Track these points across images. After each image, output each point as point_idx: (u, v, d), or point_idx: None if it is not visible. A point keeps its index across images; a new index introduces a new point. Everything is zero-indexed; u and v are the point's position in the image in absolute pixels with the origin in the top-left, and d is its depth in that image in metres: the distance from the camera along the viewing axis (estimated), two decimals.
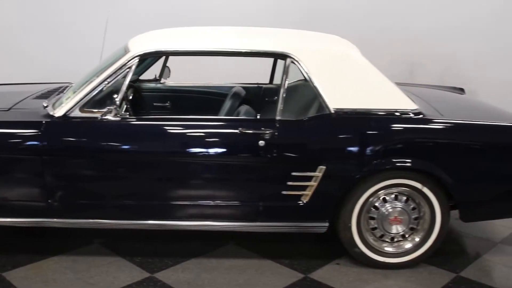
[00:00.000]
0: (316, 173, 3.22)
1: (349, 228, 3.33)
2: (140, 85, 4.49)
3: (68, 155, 3.25)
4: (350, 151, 3.23)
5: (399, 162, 3.22)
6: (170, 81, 4.63)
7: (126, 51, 3.35)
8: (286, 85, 3.30)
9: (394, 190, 3.33)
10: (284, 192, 3.27)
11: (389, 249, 3.41)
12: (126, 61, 3.29)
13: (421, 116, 3.30)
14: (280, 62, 3.49)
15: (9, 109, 3.46)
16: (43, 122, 3.23)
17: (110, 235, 3.76)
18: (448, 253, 3.63)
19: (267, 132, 3.19)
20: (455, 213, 3.42)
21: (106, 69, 3.30)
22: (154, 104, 4.52)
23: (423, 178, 3.26)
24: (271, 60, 4.24)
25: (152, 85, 4.56)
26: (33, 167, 3.24)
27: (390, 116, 3.28)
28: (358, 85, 3.30)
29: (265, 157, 3.21)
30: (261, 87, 4.46)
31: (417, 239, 3.39)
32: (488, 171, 3.31)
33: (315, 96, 3.29)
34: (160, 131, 3.29)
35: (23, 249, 3.56)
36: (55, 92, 3.80)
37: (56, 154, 3.23)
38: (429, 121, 3.28)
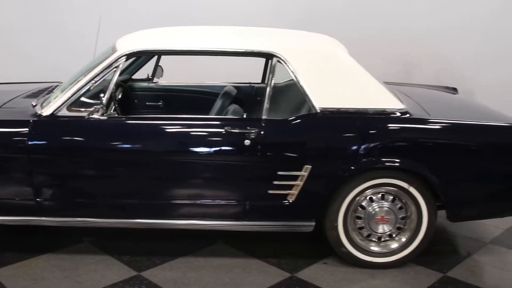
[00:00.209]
0: (302, 173, 3.22)
1: (336, 227, 3.34)
2: (132, 85, 4.51)
3: (55, 154, 3.27)
4: (336, 150, 3.24)
5: (384, 161, 3.21)
6: (163, 81, 4.64)
7: (113, 50, 3.36)
8: (272, 85, 3.30)
9: (381, 189, 3.33)
10: (270, 191, 3.27)
11: (375, 248, 3.41)
12: (113, 60, 3.30)
13: (407, 115, 3.30)
14: None
15: None
16: (31, 121, 3.25)
17: (100, 233, 3.78)
18: (436, 253, 3.62)
19: (252, 131, 3.19)
20: (445, 213, 3.41)
21: (93, 69, 3.32)
22: (147, 103, 4.54)
23: (410, 178, 3.26)
24: (263, 59, 4.24)
25: (145, 84, 4.58)
26: (21, 165, 3.27)
27: (376, 116, 3.27)
28: (344, 84, 3.30)
29: (251, 157, 3.22)
30: (253, 86, 4.47)
31: (403, 239, 3.39)
32: (475, 171, 3.30)
33: (302, 95, 3.29)
34: (146, 130, 3.31)
35: (12, 247, 3.58)
36: (45, 91, 3.82)
37: (43, 152, 3.25)
38: (416, 121, 3.28)
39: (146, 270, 3.37)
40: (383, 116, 3.28)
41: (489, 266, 3.53)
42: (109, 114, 3.34)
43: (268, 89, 3.29)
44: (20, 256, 3.48)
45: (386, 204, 3.35)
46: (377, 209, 3.35)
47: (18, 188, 3.34)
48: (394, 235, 3.41)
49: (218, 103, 3.95)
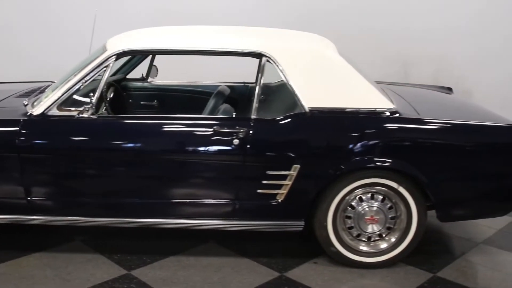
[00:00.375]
0: (291, 172, 3.22)
1: (325, 227, 3.33)
2: (127, 84, 4.53)
3: (45, 153, 3.29)
4: (324, 150, 3.24)
5: (373, 161, 3.21)
6: (157, 80, 4.65)
7: (104, 50, 3.38)
8: (262, 84, 3.32)
9: (371, 189, 3.32)
10: (259, 191, 3.27)
11: (365, 248, 3.40)
12: (103, 60, 3.32)
13: (397, 115, 3.29)
14: None
15: None
16: (21, 120, 3.27)
17: (92, 232, 3.79)
18: (427, 253, 3.62)
19: (241, 131, 3.20)
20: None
21: (83, 68, 3.34)
22: (141, 103, 4.55)
23: (399, 178, 3.26)
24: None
25: (139, 84, 4.59)
26: (12, 164, 3.28)
27: (365, 115, 3.27)
28: (333, 84, 3.30)
29: (240, 156, 3.22)
30: (247, 86, 4.47)
31: (393, 239, 3.38)
32: (465, 171, 3.30)
33: (292, 95, 3.29)
34: (135, 130, 3.32)
35: (4, 246, 3.60)
36: (37, 91, 3.84)
37: (33, 151, 3.27)
38: (405, 120, 3.28)
39: (136, 269, 3.38)
40: (372, 116, 3.27)
41: (480, 266, 3.52)
42: (100, 114, 3.35)
43: (257, 88, 3.30)
44: (11, 254, 3.50)
45: (375, 204, 3.34)
46: (366, 209, 3.34)
47: (9, 186, 3.35)
48: (384, 235, 3.40)
49: (211, 103, 3.95)
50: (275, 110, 3.49)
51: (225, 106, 3.65)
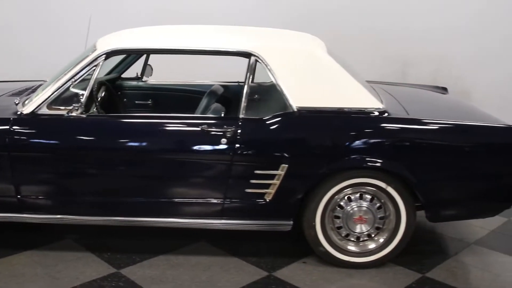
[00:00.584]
0: (279, 172, 3.22)
1: (313, 226, 3.33)
2: (121, 83, 4.55)
3: (35, 152, 3.31)
4: (312, 150, 3.23)
5: (361, 161, 3.20)
6: (152, 79, 4.67)
7: (93, 49, 3.39)
8: (250, 84, 3.33)
9: (359, 189, 3.31)
10: (248, 190, 3.28)
11: (353, 248, 3.39)
12: (93, 59, 3.34)
13: (385, 115, 3.28)
14: None
15: None
16: (11, 119, 3.29)
17: (83, 231, 3.81)
18: (418, 253, 3.61)
19: (229, 130, 3.20)
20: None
21: (73, 67, 3.35)
22: (136, 102, 4.57)
23: (387, 177, 3.25)
24: None
25: (134, 83, 4.60)
26: (2, 162, 3.30)
27: (353, 115, 3.27)
28: (322, 83, 3.30)
29: (228, 155, 3.22)
30: (242, 85, 4.45)
31: (381, 240, 3.37)
32: (454, 171, 3.28)
33: (280, 94, 3.29)
34: (124, 129, 3.34)
35: None
36: (29, 90, 3.86)
37: (23, 150, 3.29)
38: (393, 120, 3.26)
39: (125, 268, 3.39)
40: (360, 116, 3.27)
41: (471, 267, 3.50)
42: (89, 113, 3.36)
43: (245, 88, 3.30)
44: (2, 252, 3.52)
45: (364, 204, 3.34)
46: (355, 209, 3.34)
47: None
48: (373, 235, 3.39)
49: (203, 102, 3.96)
50: (265, 110, 3.49)
51: (215, 105, 3.65)
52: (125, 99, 4.56)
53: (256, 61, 3.31)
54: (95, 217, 3.44)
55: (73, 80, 3.33)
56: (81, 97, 3.28)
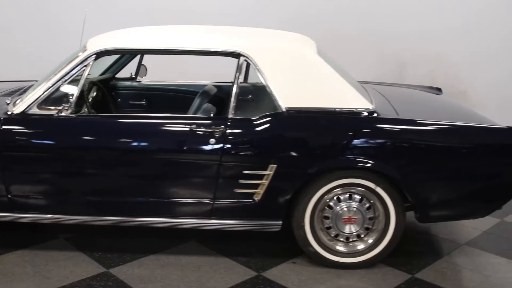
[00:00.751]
0: (267, 172, 3.22)
1: (303, 227, 3.33)
2: (116, 84, 4.56)
3: (25, 151, 3.33)
4: (301, 150, 3.23)
5: (349, 161, 3.20)
6: (146, 80, 4.68)
7: (83, 49, 3.41)
8: (240, 84, 3.34)
9: (348, 189, 3.31)
10: (236, 190, 3.28)
11: (343, 249, 3.39)
12: (83, 59, 3.35)
13: (375, 115, 3.28)
14: None
15: None
16: (1, 118, 3.31)
17: (75, 230, 3.82)
18: (408, 254, 3.60)
19: (217, 130, 3.21)
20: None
21: (63, 67, 3.37)
22: (130, 102, 4.58)
23: (376, 178, 3.24)
24: None
25: (128, 83, 4.62)
26: None
27: (342, 115, 3.26)
28: (311, 83, 3.30)
29: (217, 155, 3.23)
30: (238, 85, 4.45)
31: (370, 241, 3.37)
32: (443, 172, 3.27)
33: (269, 94, 3.29)
34: (113, 129, 3.35)
35: None
36: (21, 90, 3.87)
37: (14, 150, 3.31)
38: (382, 121, 3.26)
39: (115, 267, 3.40)
40: (349, 116, 3.27)
41: (461, 267, 3.49)
42: (80, 113, 3.38)
43: (234, 88, 3.30)
44: None
45: (353, 204, 3.33)
46: (344, 209, 3.33)
47: None
48: (362, 236, 3.39)
49: (196, 102, 3.97)
50: (255, 110, 3.50)
51: (206, 105, 3.66)
52: (119, 99, 4.57)
53: (245, 61, 3.31)
54: (86, 217, 3.45)
55: (63, 80, 3.35)
56: (70, 97, 3.28)
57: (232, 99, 3.29)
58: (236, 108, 3.27)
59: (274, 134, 3.23)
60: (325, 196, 3.31)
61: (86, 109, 3.52)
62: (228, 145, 3.21)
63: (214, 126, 3.22)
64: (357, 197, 3.33)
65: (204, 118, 3.38)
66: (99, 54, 3.37)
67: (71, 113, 3.31)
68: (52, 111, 3.33)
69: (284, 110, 3.24)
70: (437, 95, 4.38)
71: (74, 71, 3.35)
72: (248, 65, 3.50)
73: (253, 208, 3.30)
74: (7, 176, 3.34)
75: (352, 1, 6.55)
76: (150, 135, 3.32)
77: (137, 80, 4.65)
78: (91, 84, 3.81)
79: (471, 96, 6.19)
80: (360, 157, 3.19)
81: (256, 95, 4.20)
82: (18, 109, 3.34)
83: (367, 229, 3.38)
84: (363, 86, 3.86)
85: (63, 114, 3.31)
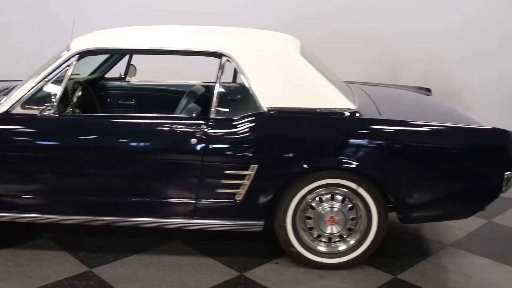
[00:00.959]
0: (249, 172, 3.22)
1: (284, 227, 3.33)
2: (105, 83, 4.57)
3: (9, 151, 3.34)
4: (282, 150, 3.23)
5: (331, 162, 3.20)
6: (135, 80, 4.69)
7: (67, 49, 3.42)
8: (222, 84, 3.33)
9: (330, 190, 3.31)
10: (218, 190, 3.28)
11: (325, 249, 3.38)
12: (66, 59, 3.36)
13: (357, 115, 3.27)
14: None
15: None
16: None
17: (60, 230, 3.82)
18: (392, 254, 3.59)
19: (198, 130, 3.21)
20: None
21: (47, 67, 3.38)
22: (120, 102, 4.59)
23: (358, 178, 3.23)
24: None
25: (117, 83, 4.63)
26: None
27: (323, 116, 3.26)
28: (292, 84, 3.29)
29: (198, 155, 3.23)
30: (224, 85, 4.46)
31: (352, 242, 3.36)
32: (425, 172, 3.26)
33: (251, 94, 3.30)
34: (96, 128, 3.35)
35: None
36: (7, 89, 3.88)
37: None
38: (363, 121, 3.25)
39: (98, 267, 3.41)
40: (330, 116, 3.26)
41: (444, 268, 3.48)
42: (65, 112, 3.39)
43: (216, 88, 3.30)
44: None
45: (336, 205, 3.33)
46: (326, 210, 3.33)
47: None
48: (345, 236, 3.38)
49: (183, 102, 3.98)
50: (237, 110, 3.49)
51: (190, 105, 3.66)
52: (108, 99, 4.58)
53: (227, 61, 3.31)
54: (70, 216, 3.46)
55: (46, 80, 3.35)
56: (53, 97, 3.29)
57: (214, 99, 3.29)
58: (221, 108, 3.27)
59: (255, 134, 3.23)
60: (307, 197, 3.30)
61: (70, 109, 3.52)
62: (209, 145, 3.21)
63: (195, 126, 3.23)
64: (339, 197, 3.32)
65: (185, 118, 3.38)
66: (82, 54, 3.38)
67: (54, 112, 3.32)
68: (35, 110, 3.34)
69: (265, 110, 3.24)
70: (426, 96, 4.37)
71: (57, 71, 3.36)
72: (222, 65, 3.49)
73: (235, 208, 3.30)
74: None
75: (352, 1, 6.57)
76: (132, 135, 3.32)
77: (126, 80, 4.66)
78: (77, 84, 3.81)
79: (464, 96, 6.19)
80: (341, 158, 3.19)
81: (245, 95, 4.19)
82: (1, 108, 3.35)
83: (349, 229, 3.37)
84: (349, 86, 3.86)
85: (46, 113, 3.31)
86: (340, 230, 3.35)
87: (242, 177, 3.24)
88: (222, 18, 6.15)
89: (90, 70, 4.47)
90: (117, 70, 4.70)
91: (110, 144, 3.31)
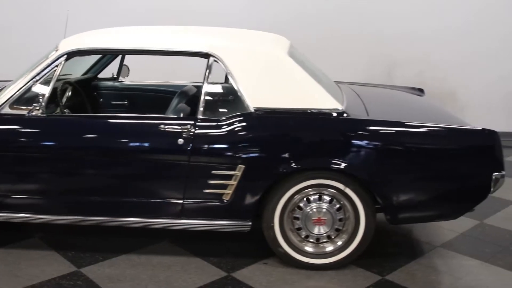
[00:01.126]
0: (236, 172, 3.22)
1: (272, 227, 3.33)
2: (97, 84, 4.58)
3: None
4: (269, 151, 3.23)
5: (317, 162, 3.19)
6: (128, 80, 4.70)
7: (55, 49, 3.43)
8: (209, 84, 3.34)
9: (318, 190, 3.30)
10: (206, 191, 3.29)
11: (312, 250, 3.38)
12: (54, 60, 3.38)
13: (344, 116, 3.26)
14: None
15: None
16: None
17: (50, 229, 3.83)
18: (382, 255, 3.58)
19: (185, 130, 3.21)
20: None
21: (35, 68, 3.39)
22: (112, 102, 4.60)
23: (345, 179, 3.23)
24: None
25: (110, 83, 4.64)
26: None
27: (310, 116, 3.25)
28: (280, 84, 3.29)
29: (185, 155, 3.24)
30: (212, 86, 4.46)
31: (339, 242, 3.35)
32: (413, 173, 3.25)
33: (238, 95, 3.29)
34: (83, 128, 3.36)
35: None
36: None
37: None
38: (350, 122, 3.25)
39: (86, 267, 3.41)
40: (317, 117, 3.25)
41: (432, 269, 3.46)
42: (53, 113, 3.40)
43: (204, 88, 3.30)
44: None
45: (323, 205, 3.32)
46: (314, 210, 3.32)
47: None
48: (332, 237, 3.37)
49: (174, 103, 3.97)
50: (229, 110, 3.49)
51: (180, 105, 3.66)
52: (101, 100, 4.60)
53: (215, 61, 3.31)
54: (59, 216, 3.46)
55: (35, 80, 3.36)
56: (41, 97, 3.30)
57: (202, 99, 3.29)
58: (209, 108, 3.27)
59: (241, 135, 3.23)
60: (295, 197, 3.30)
61: (59, 109, 3.53)
62: (196, 145, 3.22)
63: (182, 126, 3.23)
64: (327, 198, 3.32)
65: (172, 118, 3.38)
66: (70, 55, 3.39)
67: (42, 113, 3.33)
68: (23, 111, 3.35)
69: (252, 110, 3.24)
70: (417, 96, 4.35)
71: (45, 71, 3.37)
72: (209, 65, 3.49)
73: (222, 208, 3.30)
74: None
75: (352, 1, 6.56)
76: (119, 135, 3.33)
77: (119, 80, 4.66)
78: (66, 84, 3.82)
79: (459, 97, 6.18)
80: (328, 158, 3.18)
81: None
82: None
83: (337, 230, 3.36)
84: (339, 86, 3.85)
85: (34, 114, 3.32)
86: (327, 230, 3.34)
87: (229, 177, 3.24)
88: (222, 18, 6.17)
89: (83, 70, 4.48)
90: (110, 70, 4.71)
91: (98, 144, 3.32)
